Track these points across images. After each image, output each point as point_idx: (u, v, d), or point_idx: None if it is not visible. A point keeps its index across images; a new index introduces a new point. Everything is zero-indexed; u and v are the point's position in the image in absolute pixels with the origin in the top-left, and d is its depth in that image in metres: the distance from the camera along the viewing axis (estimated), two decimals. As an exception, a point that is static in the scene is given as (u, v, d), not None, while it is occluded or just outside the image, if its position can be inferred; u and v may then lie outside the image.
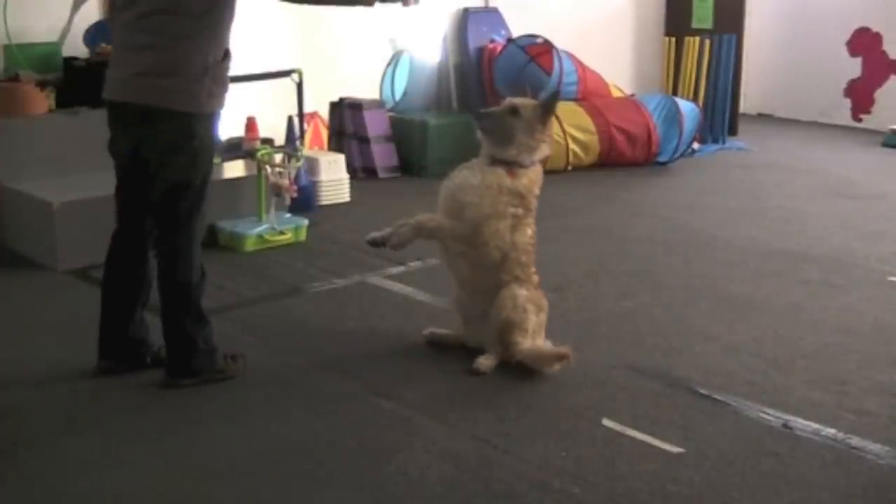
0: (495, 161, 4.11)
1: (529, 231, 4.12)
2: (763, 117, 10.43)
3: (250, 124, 6.74)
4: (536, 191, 4.15)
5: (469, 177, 4.13)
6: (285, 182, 5.82)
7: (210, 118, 3.82)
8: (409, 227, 4.10)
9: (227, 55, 3.83)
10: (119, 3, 3.80)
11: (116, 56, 3.85)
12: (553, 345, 4.14)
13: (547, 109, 4.15)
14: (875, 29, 9.72)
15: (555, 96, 4.40)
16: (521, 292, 4.07)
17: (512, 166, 4.09)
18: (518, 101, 4.18)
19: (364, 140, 7.52)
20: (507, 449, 3.45)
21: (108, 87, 3.83)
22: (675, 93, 8.85)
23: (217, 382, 3.92)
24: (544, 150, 4.17)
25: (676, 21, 9.88)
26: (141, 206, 3.87)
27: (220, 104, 3.86)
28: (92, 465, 3.36)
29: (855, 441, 3.53)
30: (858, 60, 9.88)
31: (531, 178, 4.12)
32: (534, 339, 4.08)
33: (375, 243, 4.18)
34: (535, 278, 4.17)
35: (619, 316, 4.79)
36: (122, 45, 3.82)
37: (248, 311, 4.80)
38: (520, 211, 4.07)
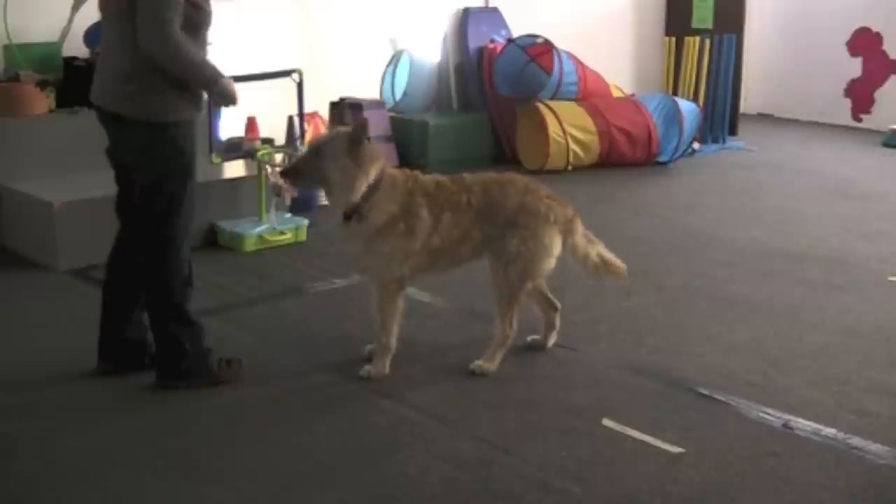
0: (346, 217, 3.94)
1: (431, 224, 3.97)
2: (763, 117, 10.42)
3: (251, 124, 6.73)
4: (398, 205, 3.92)
5: (354, 246, 4.02)
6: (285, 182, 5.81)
7: (176, 127, 3.71)
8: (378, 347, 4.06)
9: None
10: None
11: (100, 55, 3.86)
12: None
13: (353, 141, 3.83)
14: (875, 29, 9.72)
15: (360, 128, 3.90)
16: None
17: (358, 212, 3.89)
18: (321, 138, 3.95)
19: (364, 140, 7.51)
20: (507, 449, 3.45)
21: (91, 88, 3.84)
22: (675, 93, 8.84)
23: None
24: (361, 184, 3.85)
25: (677, 21, 9.88)
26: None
27: (188, 114, 3.75)
28: (92, 465, 3.36)
29: (855, 441, 3.53)
30: (859, 60, 9.87)
31: (381, 205, 3.90)
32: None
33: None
34: None
35: (618, 316, 4.79)
36: (101, 44, 3.83)
37: (248, 311, 4.81)
38: (401, 227, 3.92)
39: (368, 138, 3.91)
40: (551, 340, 4.33)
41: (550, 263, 4.13)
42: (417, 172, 4.10)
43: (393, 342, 4.02)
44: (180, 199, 3.78)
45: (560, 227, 4.10)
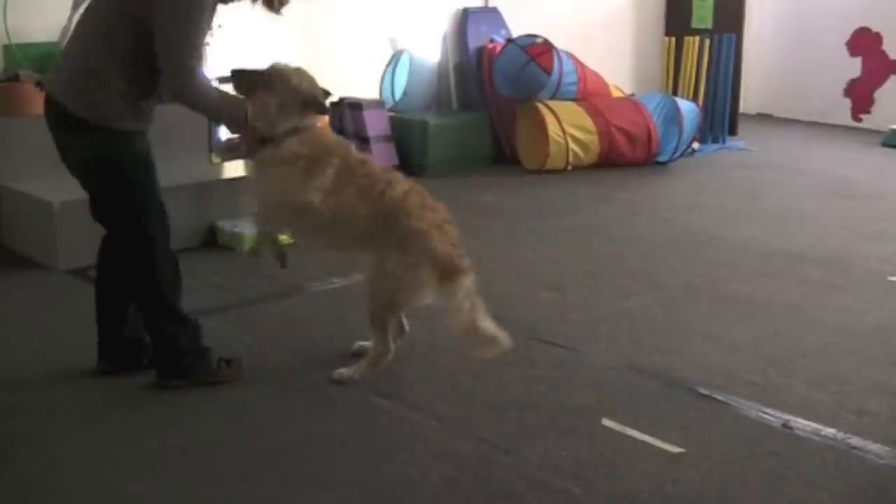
0: (260, 143, 3.94)
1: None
2: (763, 117, 10.43)
3: (250, 124, 6.73)
4: (309, 150, 3.90)
5: (251, 171, 4.08)
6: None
7: (127, 136, 3.65)
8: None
9: (148, 90, 3.65)
10: None
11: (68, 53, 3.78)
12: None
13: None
14: (875, 29, 9.73)
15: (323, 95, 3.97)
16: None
17: (271, 141, 3.89)
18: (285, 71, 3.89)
19: (364, 140, 7.53)
20: (507, 448, 3.46)
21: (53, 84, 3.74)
22: (675, 93, 8.85)
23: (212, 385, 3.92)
24: (286, 123, 3.86)
25: (676, 21, 9.89)
26: None
27: (138, 126, 3.69)
28: (92, 465, 3.36)
29: (855, 441, 3.53)
30: (858, 60, 9.88)
31: (292, 143, 3.88)
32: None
33: None
34: None
35: (618, 316, 4.79)
36: (72, 40, 3.76)
37: (248, 311, 4.81)
38: (301, 164, 3.89)
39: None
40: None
41: (420, 301, 3.96)
42: (355, 150, 4.07)
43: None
44: (143, 203, 3.73)
45: (439, 275, 3.85)
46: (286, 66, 3.89)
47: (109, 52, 3.58)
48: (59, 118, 3.67)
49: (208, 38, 3.77)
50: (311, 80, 3.94)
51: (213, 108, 3.75)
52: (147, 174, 3.75)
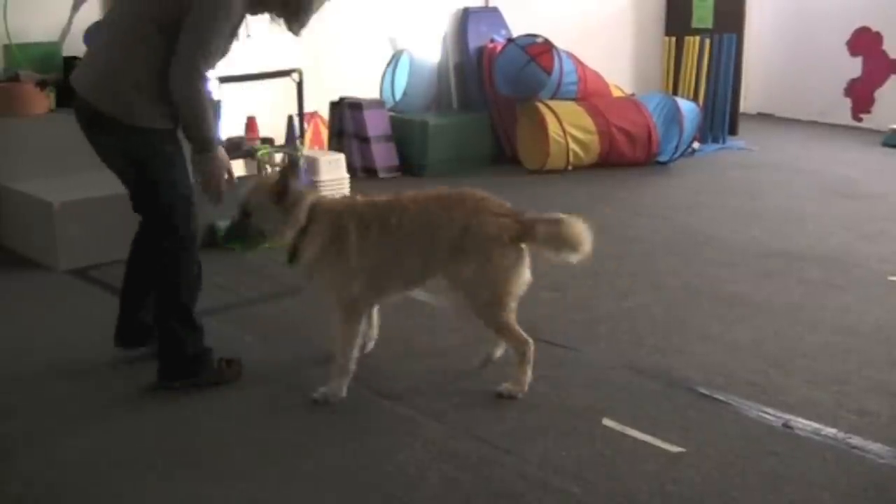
0: (289, 258, 3.90)
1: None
2: (763, 117, 10.43)
3: (250, 124, 6.75)
4: (329, 233, 3.83)
5: (303, 280, 4.05)
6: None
7: (155, 134, 3.66)
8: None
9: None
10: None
11: (101, 51, 3.78)
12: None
13: (278, 189, 3.76)
14: (875, 28, 9.73)
15: (284, 173, 3.85)
16: None
17: (295, 251, 3.87)
18: (244, 195, 3.83)
19: (364, 140, 7.53)
20: (507, 448, 3.45)
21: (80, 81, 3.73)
22: (675, 92, 8.85)
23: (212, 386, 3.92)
24: (291, 230, 3.80)
25: (677, 21, 9.89)
26: None
27: (169, 124, 3.68)
28: (92, 465, 3.37)
29: (855, 441, 3.53)
30: (858, 60, 9.88)
31: (312, 240, 3.83)
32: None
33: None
34: None
35: (618, 316, 4.78)
36: (106, 38, 3.76)
37: (248, 311, 4.81)
38: (333, 251, 3.84)
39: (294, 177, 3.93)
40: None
41: (519, 283, 3.82)
42: (357, 197, 4.03)
43: (352, 366, 3.85)
44: (174, 202, 3.74)
45: (509, 246, 3.78)
46: (245, 195, 3.82)
47: (138, 51, 3.59)
48: (89, 117, 3.71)
49: (233, 46, 3.78)
50: (265, 180, 3.94)
51: (202, 117, 3.62)
52: (176, 174, 3.75)
